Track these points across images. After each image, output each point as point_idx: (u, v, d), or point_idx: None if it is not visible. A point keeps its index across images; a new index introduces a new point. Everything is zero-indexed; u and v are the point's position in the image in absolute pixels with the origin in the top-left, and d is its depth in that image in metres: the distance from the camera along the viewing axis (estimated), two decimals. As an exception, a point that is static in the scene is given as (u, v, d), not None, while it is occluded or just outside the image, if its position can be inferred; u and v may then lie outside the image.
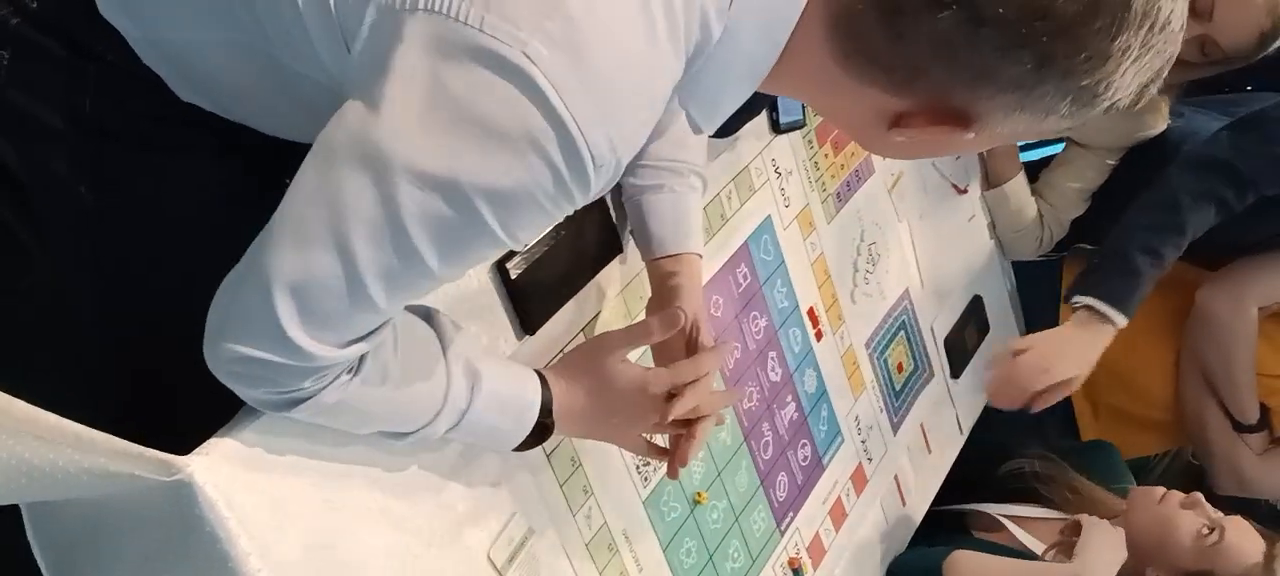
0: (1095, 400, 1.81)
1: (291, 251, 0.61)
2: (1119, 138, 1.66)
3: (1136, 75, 0.64)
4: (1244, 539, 1.34)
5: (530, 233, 0.63)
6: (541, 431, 0.85)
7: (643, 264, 1.09)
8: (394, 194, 0.58)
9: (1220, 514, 1.38)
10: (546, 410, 0.85)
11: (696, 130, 0.75)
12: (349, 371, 0.70)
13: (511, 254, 0.95)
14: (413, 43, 0.58)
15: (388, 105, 0.58)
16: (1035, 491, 1.59)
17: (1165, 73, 0.66)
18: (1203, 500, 1.39)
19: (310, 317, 0.62)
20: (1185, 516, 1.36)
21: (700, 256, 1.02)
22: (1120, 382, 1.77)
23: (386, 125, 0.58)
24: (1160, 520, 1.38)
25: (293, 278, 0.61)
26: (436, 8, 0.57)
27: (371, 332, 0.67)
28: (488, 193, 0.58)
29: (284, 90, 0.73)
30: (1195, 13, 1.41)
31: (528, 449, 0.87)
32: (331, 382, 0.69)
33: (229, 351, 0.65)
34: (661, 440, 0.97)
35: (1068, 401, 1.80)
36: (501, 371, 0.83)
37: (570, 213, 0.63)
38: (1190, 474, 1.90)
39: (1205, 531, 1.34)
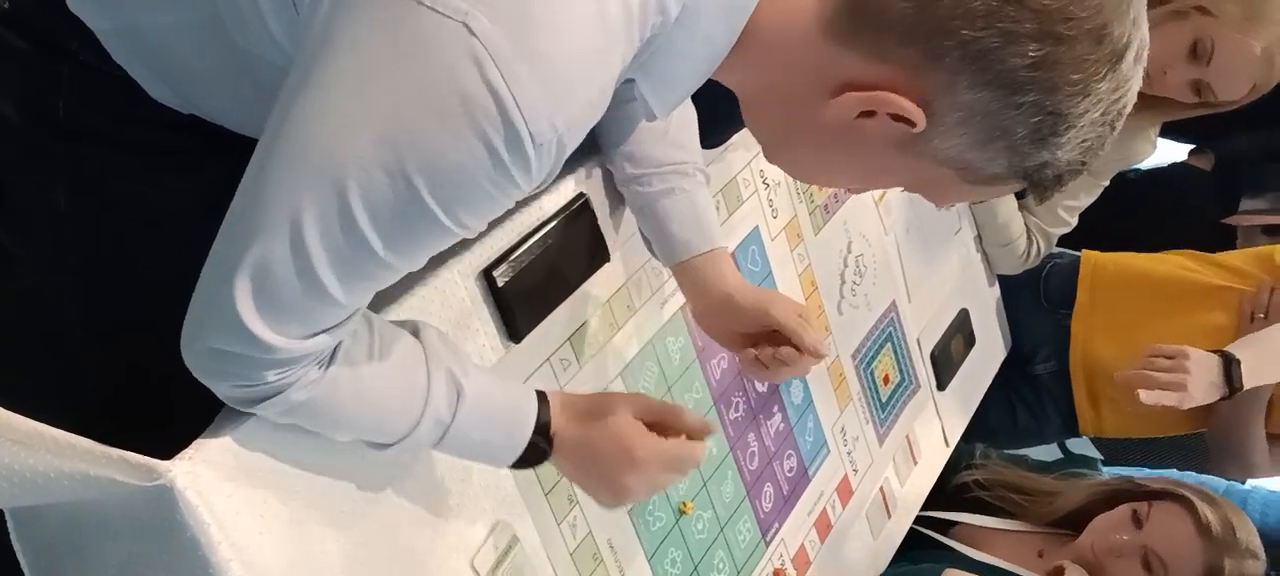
0: (1095, 393, 1.82)
1: (245, 241, 0.61)
2: (1111, 162, 1.68)
3: (1090, 133, 0.65)
4: (1171, 526, 1.38)
5: (474, 216, 0.61)
6: (538, 451, 0.83)
7: (630, 273, 1.10)
8: (337, 175, 0.58)
9: (1146, 538, 1.39)
10: (543, 429, 0.82)
11: (649, 117, 0.74)
12: (318, 365, 0.69)
13: (499, 262, 0.95)
14: (354, 14, 0.57)
15: (328, 82, 0.58)
16: (985, 500, 1.61)
17: (1096, 154, 0.67)
18: (1128, 535, 1.41)
19: (268, 308, 0.62)
20: (1120, 564, 1.39)
21: (726, 248, 1.02)
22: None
23: (326, 104, 0.58)
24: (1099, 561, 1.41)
25: (248, 268, 0.61)
26: None
27: (336, 326, 0.66)
28: (426, 170, 0.57)
29: (243, 76, 0.72)
30: (1195, 56, 1.44)
31: (525, 467, 0.84)
32: (297, 378, 0.68)
33: (198, 346, 0.65)
34: None
35: (1069, 395, 1.83)
36: (493, 385, 0.81)
37: (517, 198, 0.62)
38: None
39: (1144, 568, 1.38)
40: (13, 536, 0.79)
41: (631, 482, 0.84)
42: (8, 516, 0.79)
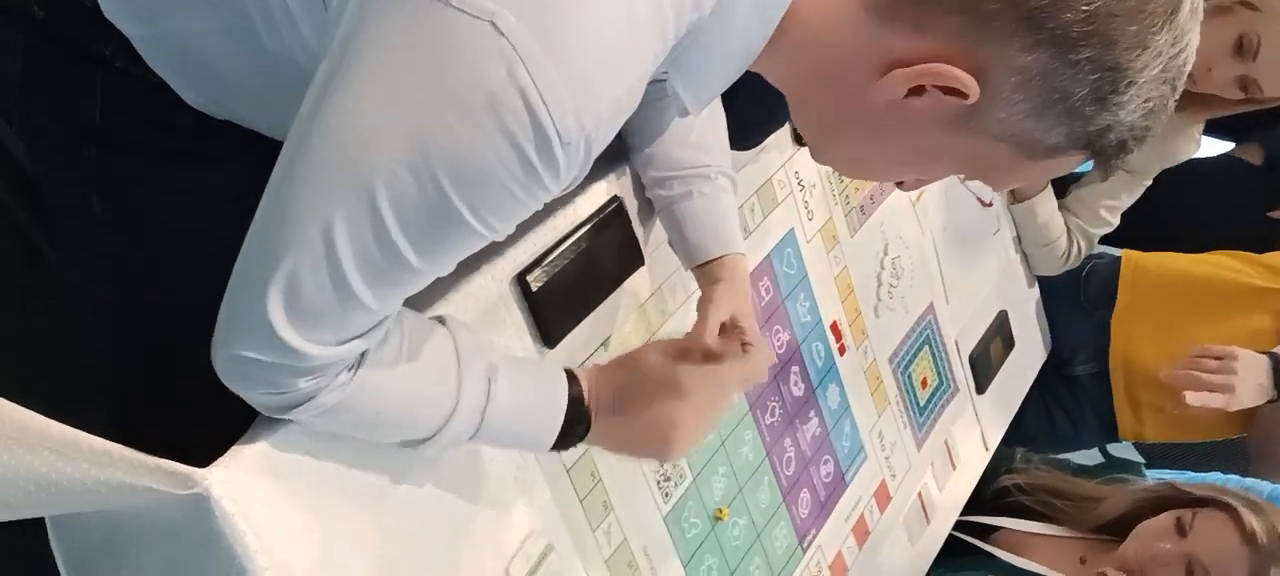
0: (1135, 397, 1.79)
1: (276, 251, 0.60)
2: (1153, 160, 1.65)
3: (1151, 91, 0.62)
4: (1216, 535, 1.35)
5: (502, 219, 0.60)
6: (576, 426, 0.83)
7: (664, 278, 1.09)
8: (366, 180, 0.57)
9: (1191, 546, 1.36)
10: (577, 401, 0.82)
11: (682, 112, 0.72)
12: (348, 369, 0.68)
13: (533, 266, 0.94)
14: (379, 16, 0.56)
15: (354, 85, 0.57)
16: (1026, 505, 1.58)
17: (1159, 119, 0.64)
18: (1171, 543, 1.38)
19: (300, 316, 0.61)
20: (1164, 572, 1.36)
21: (743, 255, 1.01)
22: (1160, 384, 1.74)
23: (353, 107, 0.57)
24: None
25: (280, 278, 0.60)
26: None
27: (367, 332, 0.66)
28: (453, 172, 0.56)
29: (275, 81, 0.71)
30: (1240, 51, 1.41)
31: (566, 447, 0.83)
32: (328, 383, 0.68)
33: (228, 354, 0.65)
34: None
35: (1108, 399, 1.80)
36: (521, 367, 0.81)
37: (544, 199, 0.61)
38: None
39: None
40: (51, 540, 0.79)
41: (680, 418, 0.83)
42: (47, 520, 0.79)
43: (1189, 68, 0.64)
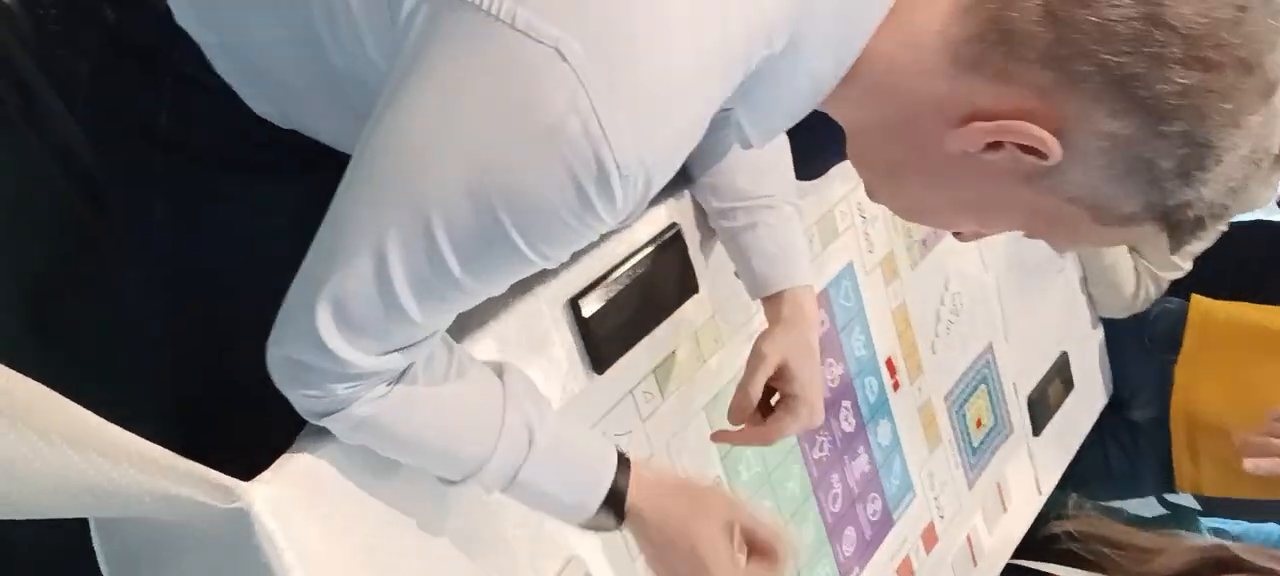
0: (1196, 446, 1.73)
1: (330, 261, 0.61)
2: None
3: (1236, 171, 0.59)
4: None
5: (556, 248, 0.60)
6: (609, 514, 0.80)
7: (719, 306, 1.08)
8: (421, 200, 0.57)
9: None
10: (617, 499, 0.79)
11: (745, 144, 0.70)
12: (386, 382, 0.68)
13: (587, 291, 0.93)
14: (444, 37, 0.56)
15: (416, 105, 0.56)
16: (1076, 553, 1.54)
17: (1239, 194, 0.61)
18: None
19: (346, 323, 0.62)
20: None
21: (809, 287, 0.99)
22: (1221, 435, 1.69)
23: (414, 127, 0.57)
24: None
25: (331, 287, 0.61)
26: (471, 0, 0.54)
27: (411, 345, 0.66)
28: (509, 200, 0.56)
29: (340, 96, 0.71)
30: None
31: (599, 530, 0.82)
32: (364, 394, 0.68)
33: (279, 353, 0.66)
34: None
35: (1167, 445, 1.74)
36: (573, 438, 0.79)
37: (600, 231, 0.59)
38: None
39: None
40: (96, 543, 0.80)
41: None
42: (92, 523, 0.79)
43: (1275, 149, 0.60)
